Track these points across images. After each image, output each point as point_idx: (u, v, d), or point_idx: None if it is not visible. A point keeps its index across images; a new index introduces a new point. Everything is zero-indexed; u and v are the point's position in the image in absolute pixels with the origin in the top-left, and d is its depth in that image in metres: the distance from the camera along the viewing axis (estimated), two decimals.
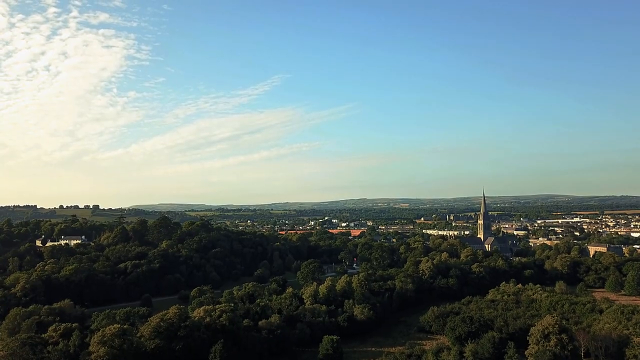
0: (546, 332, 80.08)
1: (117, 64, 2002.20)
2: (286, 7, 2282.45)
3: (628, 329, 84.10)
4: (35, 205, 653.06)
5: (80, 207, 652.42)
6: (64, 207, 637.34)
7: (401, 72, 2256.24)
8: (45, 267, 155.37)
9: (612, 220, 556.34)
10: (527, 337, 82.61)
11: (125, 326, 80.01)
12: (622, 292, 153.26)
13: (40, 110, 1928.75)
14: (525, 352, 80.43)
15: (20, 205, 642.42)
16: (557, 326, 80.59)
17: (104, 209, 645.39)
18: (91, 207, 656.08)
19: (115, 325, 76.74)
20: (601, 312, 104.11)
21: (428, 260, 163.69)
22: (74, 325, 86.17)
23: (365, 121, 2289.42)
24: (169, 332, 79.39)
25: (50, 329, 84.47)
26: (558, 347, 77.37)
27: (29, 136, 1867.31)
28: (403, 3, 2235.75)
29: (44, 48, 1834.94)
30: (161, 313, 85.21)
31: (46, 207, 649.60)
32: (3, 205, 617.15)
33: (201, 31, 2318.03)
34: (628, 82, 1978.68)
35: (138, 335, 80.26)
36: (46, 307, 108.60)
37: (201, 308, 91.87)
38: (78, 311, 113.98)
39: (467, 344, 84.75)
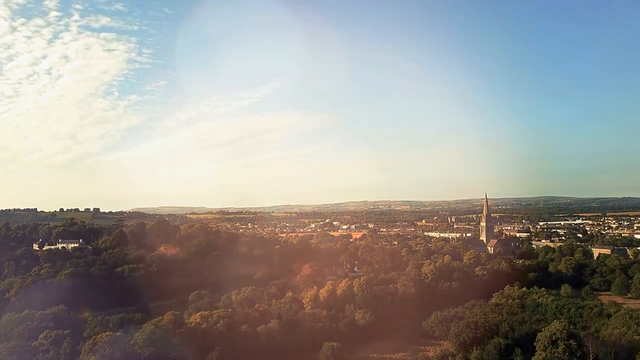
0: (554, 338, 77.56)
1: (119, 67, 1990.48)
2: (286, 11, 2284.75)
3: (638, 334, 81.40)
4: (36, 209, 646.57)
5: (80, 210, 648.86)
6: (65, 210, 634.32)
7: (401, 75, 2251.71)
8: (41, 272, 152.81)
9: (614, 221, 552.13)
10: (534, 343, 79.99)
11: (118, 333, 77.59)
12: (629, 295, 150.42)
13: (41, 113, 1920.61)
14: (532, 359, 77.90)
15: (21, 208, 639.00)
16: (565, 331, 78.10)
17: (104, 212, 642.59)
18: (92, 210, 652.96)
19: (107, 333, 74.36)
20: (609, 316, 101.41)
21: (430, 263, 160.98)
22: (65, 332, 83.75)
23: (365, 123, 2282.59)
24: (163, 339, 76.96)
25: (40, 336, 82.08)
26: (566, 354, 74.95)
27: (30, 139, 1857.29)
28: (402, 7, 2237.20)
29: (46, 52, 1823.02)
30: (156, 319, 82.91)
31: (47, 210, 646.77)
32: (3, 209, 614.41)
33: (201, 34, 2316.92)
34: (628, 83, 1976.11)
35: (132, 342, 77.75)
36: (40, 312, 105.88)
37: (197, 314, 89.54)
38: (72, 317, 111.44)
39: (472, 350, 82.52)
